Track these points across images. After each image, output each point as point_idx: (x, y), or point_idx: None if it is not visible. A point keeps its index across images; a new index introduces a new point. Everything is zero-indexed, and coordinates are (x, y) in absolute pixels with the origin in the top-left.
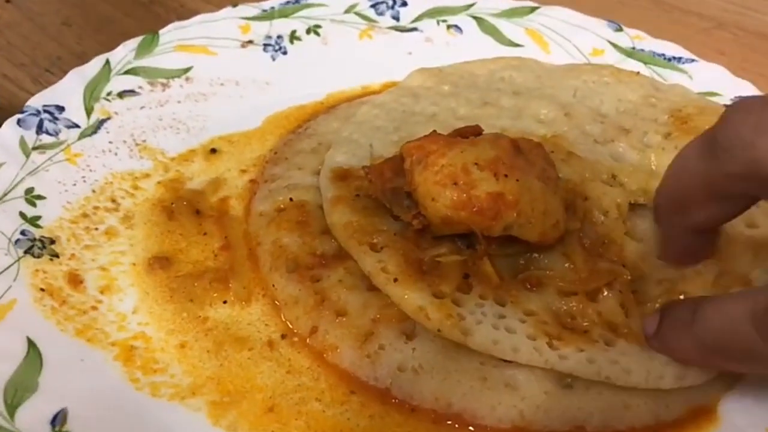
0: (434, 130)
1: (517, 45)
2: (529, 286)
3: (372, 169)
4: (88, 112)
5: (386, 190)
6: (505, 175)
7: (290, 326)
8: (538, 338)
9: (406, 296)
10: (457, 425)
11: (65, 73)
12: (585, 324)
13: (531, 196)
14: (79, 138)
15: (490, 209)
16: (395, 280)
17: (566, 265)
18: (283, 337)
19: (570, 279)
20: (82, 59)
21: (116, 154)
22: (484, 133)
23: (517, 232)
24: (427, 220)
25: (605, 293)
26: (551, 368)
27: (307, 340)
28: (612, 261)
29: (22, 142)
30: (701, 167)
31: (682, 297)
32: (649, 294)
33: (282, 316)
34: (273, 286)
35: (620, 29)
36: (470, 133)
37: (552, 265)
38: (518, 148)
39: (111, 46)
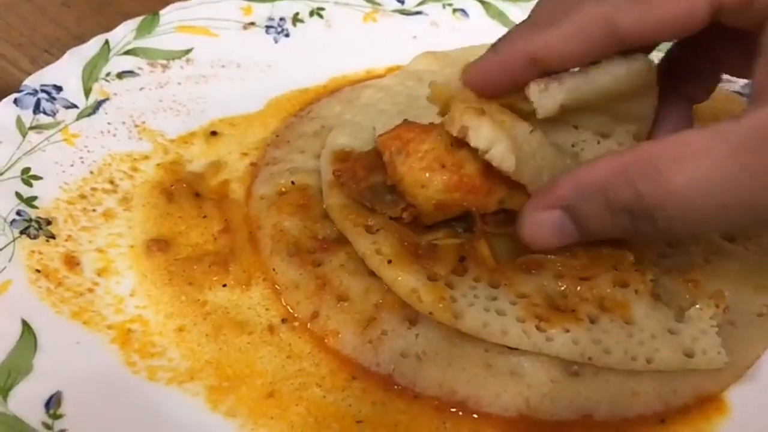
0: (405, 119)
1: None
2: (527, 270)
3: (342, 170)
4: (87, 92)
5: (363, 190)
6: None
7: (291, 311)
8: (527, 320)
9: (399, 278)
10: (460, 413)
11: (64, 53)
12: (574, 301)
13: None
14: (77, 118)
15: (483, 185)
16: (389, 262)
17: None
18: (283, 321)
19: (571, 264)
20: (82, 40)
21: (115, 135)
22: None
23: (512, 204)
24: (417, 211)
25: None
26: (539, 352)
27: (308, 325)
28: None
29: (19, 122)
30: None
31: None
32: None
33: (282, 301)
34: (273, 270)
35: None
36: None
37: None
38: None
39: (111, 28)
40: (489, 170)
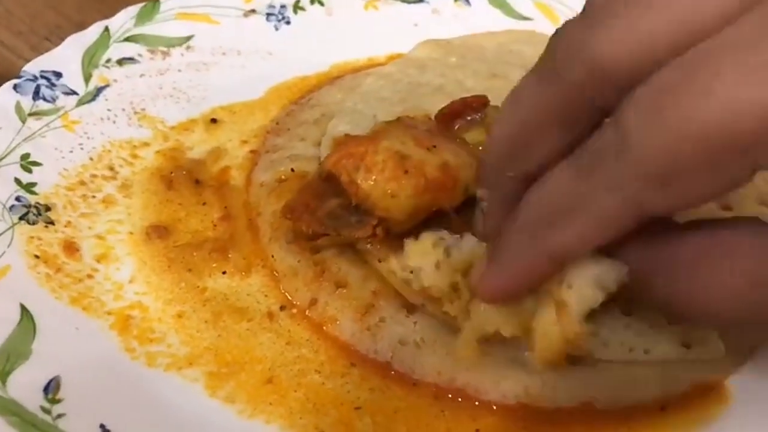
0: (346, 134)
1: (526, 18)
2: None
3: (292, 207)
4: (87, 79)
5: (321, 219)
6: (434, 146)
7: (289, 298)
8: None
9: (393, 268)
10: (459, 399)
11: (64, 41)
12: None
13: (459, 154)
14: (77, 105)
15: (448, 179)
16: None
17: None
18: (282, 308)
19: None
20: (82, 28)
21: (114, 122)
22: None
23: (472, 189)
24: (388, 223)
25: None
26: None
27: (307, 312)
28: None
29: (18, 108)
30: (540, 89)
31: None
32: None
33: (281, 288)
34: (272, 257)
35: None
36: (477, 102)
37: None
38: (413, 125)
39: (111, 14)
40: (448, 166)
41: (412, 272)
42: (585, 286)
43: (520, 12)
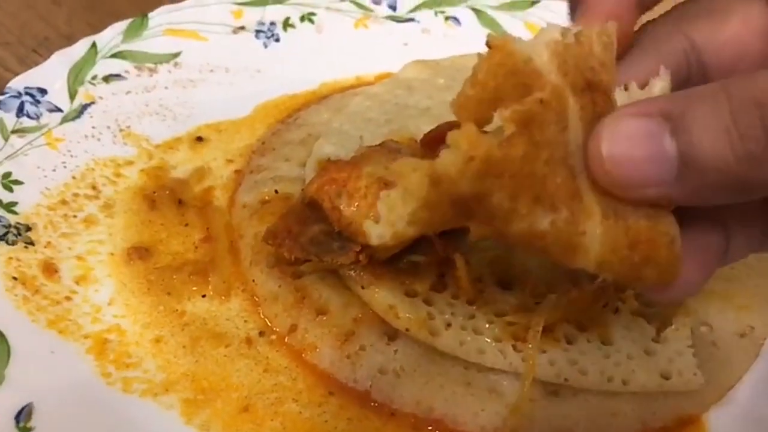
0: (329, 158)
1: None
2: (505, 287)
3: (274, 232)
4: (72, 95)
5: (303, 244)
6: None
7: (269, 323)
8: (504, 340)
9: (376, 294)
10: (437, 431)
11: (52, 53)
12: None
13: None
14: (61, 122)
15: None
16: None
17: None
18: (261, 334)
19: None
20: (71, 40)
21: (99, 139)
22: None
23: None
24: (372, 249)
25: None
26: (515, 371)
27: (286, 339)
28: None
29: (1, 125)
30: None
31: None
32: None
33: (261, 313)
34: (253, 281)
35: None
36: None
37: (530, 263)
38: (397, 149)
39: (101, 28)
40: None
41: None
42: None
43: (511, 32)
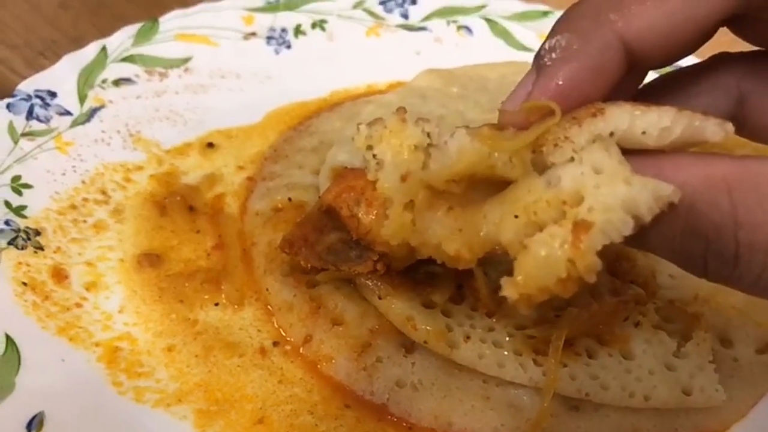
0: (345, 166)
1: (528, 49)
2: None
3: (291, 240)
4: (82, 99)
5: (320, 253)
6: None
7: (283, 333)
8: (524, 353)
9: (393, 306)
10: None
11: (59, 57)
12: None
13: None
14: (71, 126)
15: None
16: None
17: None
18: (275, 344)
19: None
20: (78, 44)
21: (109, 144)
22: None
23: None
24: (389, 259)
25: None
26: (535, 386)
27: (301, 349)
28: (621, 279)
29: (11, 128)
30: None
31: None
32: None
33: (275, 323)
34: (267, 290)
35: None
36: None
37: None
38: None
39: (108, 31)
40: None
41: (375, 156)
42: (613, 207)
43: (523, 43)
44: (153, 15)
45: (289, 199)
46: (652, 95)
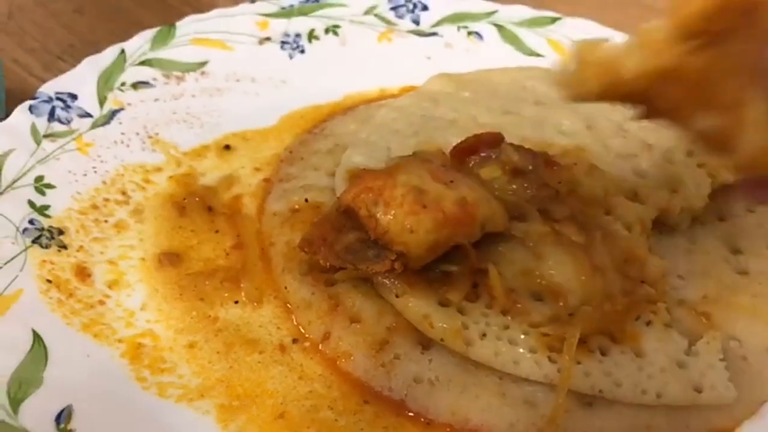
0: (362, 167)
1: (537, 55)
2: (538, 297)
3: (310, 240)
4: (101, 101)
5: (338, 252)
6: (451, 181)
7: (302, 331)
8: (539, 351)
9: (410, 304)
10: None
11: (77, 60)
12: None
13: (476, 189)
14: (91, 127)
15: (465, 215)
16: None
17: (581, 278)
18: (294, 341)
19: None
20: (95, 48)
21: (128, 145)
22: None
23: (494, 226)
24: (407, 258)
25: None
26: (550, 383)
27: (320, 346)
28: (632, 280)
29: (34, 129)
30: None
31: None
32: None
33: (294, 320)
34: (285, 288)
35: None
36: (491, 139)
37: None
38: (429, 159)
39: (123, 36)
40: (465, 201)
41: None
42: None
43: (532, 48)
44: (167, 20)
45: (306, 200)
46: None
